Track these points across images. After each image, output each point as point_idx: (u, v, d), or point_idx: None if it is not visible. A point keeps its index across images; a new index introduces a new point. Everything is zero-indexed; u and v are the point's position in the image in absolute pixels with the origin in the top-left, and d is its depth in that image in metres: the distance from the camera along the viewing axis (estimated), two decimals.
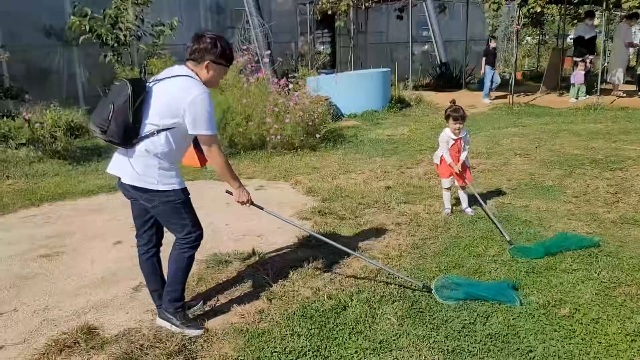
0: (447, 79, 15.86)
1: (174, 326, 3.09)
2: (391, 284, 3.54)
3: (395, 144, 8.48)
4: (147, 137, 2.84)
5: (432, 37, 18.02)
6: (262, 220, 5.03)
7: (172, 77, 2.89)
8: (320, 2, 14.61)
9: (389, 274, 3.65)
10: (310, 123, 8.30)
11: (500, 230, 4.33)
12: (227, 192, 3.25)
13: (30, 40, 9.92)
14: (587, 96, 11.90)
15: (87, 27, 9.07)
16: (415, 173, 6.56)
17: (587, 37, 12.10)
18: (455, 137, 4.79)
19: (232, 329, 3.07)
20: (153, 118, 2.83)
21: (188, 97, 2.78)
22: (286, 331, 3.01)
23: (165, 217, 3.01)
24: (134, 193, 2.95)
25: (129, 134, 2.81)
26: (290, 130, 7.92)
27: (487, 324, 3.02)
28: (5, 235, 4.78)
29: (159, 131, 2.84)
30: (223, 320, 3.20)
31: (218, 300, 3.46)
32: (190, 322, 3.13)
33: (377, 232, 4.58)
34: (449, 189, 4.99)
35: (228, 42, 2.99)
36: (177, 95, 2.81)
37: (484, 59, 12.79)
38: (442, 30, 17.95)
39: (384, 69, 12.65)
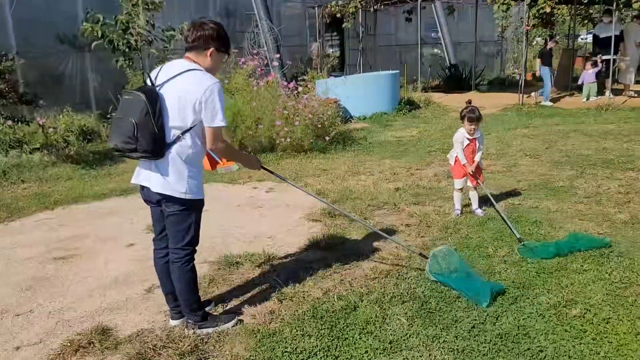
0: (456, 80, 15.83)
1: (209, 330, 3.11)
2: (401, 285, 3.56)
3: (404, 146, 8.49)
4: (174, 142, 2.84)
5: (441, 38, 18.01)
6: (272, 222, 5.07)
7: (179, 74, 2.84)
8: (328, 5, 14.66)
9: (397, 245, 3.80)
10: (319, 125, 8.33)
11: (510, 228, 4.33)
12: (263, 168, 3.42)
13: (44, 47, 10.05)
14: (599, 97, 11.82)
15: (99, 33, 9.17)
16: (425, 174, 6.57)
17: (601, 36, 12.00)
18: (471, 138, 4.79)
19: (243, 330, 3.11)
20: (175, 121, 2.82)
21: (203, 92, 2.77)
22: (297, 331, 3.04)
23: (176, 223, 2.99)
24: (159, 199, 2.94)
25: (159, 145, 2.78)
26: (299, 132, 7.96)
27: (497, 324, 3.03)
28: (21, 238, 4.86)
29: (183, 133, 2.84)
30: (234, 321, 3.23)
31: (229, 302, 3.50)
32: (220, 319, 3.17)
33: (387, 233, 4.58)
34: (460, 189, 4.99)
35: (226, 30, 2.99)
36: (192, 91, 2.78)
37: (538, 60, 12.60)
38: (451, 31, 17.94)
39: (393, 71, 12.66)
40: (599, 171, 6.20)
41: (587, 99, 11.80)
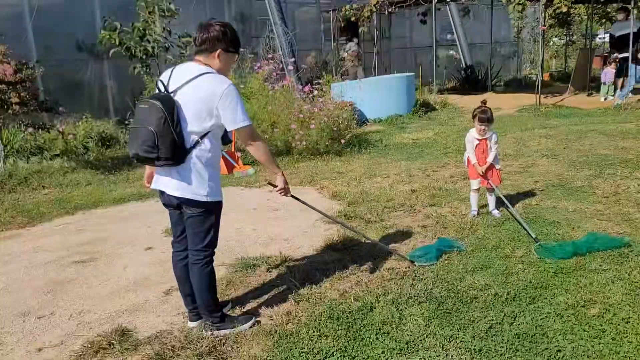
0: (472, 82, 15.75)
1: (226, 331, 3.13)
2: (417, 285, 3.55)
3: (420, 148, 8.47)
4: (194, 147, 2.86)
5: (457, 40, 17.93)
6: (289, 224, 5.10)
7: (192, 79, 2.84)
8: (343, 9, 14.70)
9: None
10: (335, 128, 8.35)
11: (525, 229, 4.30)
12: (270, 183, 3.28)
13: (63, 55, 10.25)
14: (614, 96, 11.67)
15: (117, 41, 9.32)
16: (441, 176, 6.54)
17: (617, 34, 11.85)
18: (480, 138, 4.77)
19: (260, 331, 3.13)
20: (193, 126, 2.83)
21: (218, 96, 2.78)
22: (314, 332, 3.06)
23: (196, 225, 3.02)
24: (179, 203, 2.97)
25: (180, 152, 2.81)
26: (315, 136, 7.99)
27: (514, 324, 3.01)
28: (42, 243, 4.96)
29: (202, 137, 2.86)
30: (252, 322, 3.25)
31: (247, 303, 3.52)
32: (238, 319, 3.20)
33: (403, 234, 4.59)
34: (477, 190, 4.97)
35: (234, 29, 2.99)
36: (206, 97, 2.79)
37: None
38: (466, 33, 17.85)
39: (408, 74, 12.64)
40: (618, 171, 6.12)
41: (605, 99, 11.64)
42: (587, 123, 9.50)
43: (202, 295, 3.12)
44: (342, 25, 15.42)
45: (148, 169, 3.18)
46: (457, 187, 5.99)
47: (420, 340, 2.92)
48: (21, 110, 7.96)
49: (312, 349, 2.90)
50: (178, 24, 10.43)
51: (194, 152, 2.87)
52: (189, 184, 2.88)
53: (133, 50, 9.38)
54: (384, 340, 2.94)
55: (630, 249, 3.91)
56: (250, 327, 3.17)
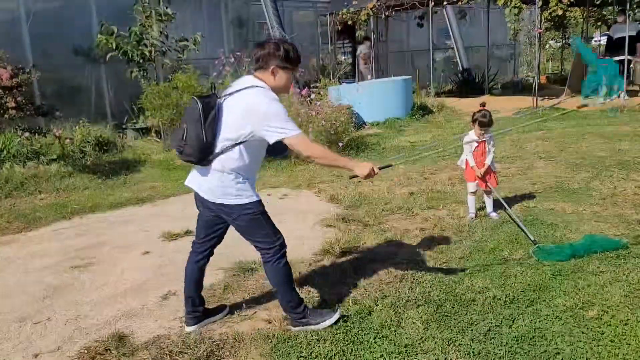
0: (469, 84, 15.76)
1: (311, 327, 3.11)
2: (416, 288, 3.54)
3: (418, 151, 8.46)
4: (221, 153, 2.87)
5: (454, 43, 17.96)
6: (287, 228, 5.07)
7: (240, 90, 2.89)
8: (340, 13, 14.72)
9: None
10: (332, 132, 8.35)
11: (524, 231, 4.30)
12: (351, 177, 3.18)
13: (60, 59, 10.23)
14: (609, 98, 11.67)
15: (114, 45, 9.32)
16: (439, 178, 6.54)
17: (615, 37, 11.87)
18: (479, 140, 4.77)
19: (258, 335, 3.11)
20: (227, 134, 2.85)
21: (260, 108, 2.80)
22: (312, 336, 3.04)
23: (247, 232, 3.04)
24: (213, 207, 2.99)
25: (204, 152, 2.84)
26: (313, 139, 7.98)
27: (513, 326, 3.01)
28: (39, 248, 4.93)
29: (233, 146, 2.86)
30: (250, 326, 3.25)
31: (245, 307, 3.51)
32: (322, 314, 3.17)
33: (402, 237, 4.59)
34: (474, 193, 4.97)
35: (293, 45, 2.99)
36: (249, 109, 2.82)
37: None
38: (463, 36, 17.89)
39: (405, 77, 12.64)
40: (615, 172, 6.13)
41: (604, 100, 11.63)
42: (583, 125, 9.52)
43: (281, 294, 3.14)
44: (339, 28, 15.44)
45: None
46: (455, 189, 5.98)
47: (419, 343, 2.91)
48: (17, 114, 7.96)
49: (311, 353, 2.89)
50: (175, 28, 10.45)
51: (221, 157, 2.88)
52: (215, 189, 2.92)
53: (130, 55, 9.38)
54: (383, 343, 2.93)
55: (628, 250, 3.91)
56: (335, 323, 3.11)
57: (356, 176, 3.05)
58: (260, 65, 2.92)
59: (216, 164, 2.89)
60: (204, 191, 2.98)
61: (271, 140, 2.84)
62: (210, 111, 2.83)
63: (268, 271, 3.12)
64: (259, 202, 3.02)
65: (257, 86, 2.89)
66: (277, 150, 3.07)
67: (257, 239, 3.06)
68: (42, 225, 5.63)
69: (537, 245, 4.07)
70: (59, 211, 6.08)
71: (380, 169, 3.07)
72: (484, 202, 5.08)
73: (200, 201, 3.06)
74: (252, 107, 2.82)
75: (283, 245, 3.10)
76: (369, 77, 14.76)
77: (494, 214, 4.93)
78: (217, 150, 2.88)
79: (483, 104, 4.88)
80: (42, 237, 5.29)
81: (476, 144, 4.79)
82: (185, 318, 3.28)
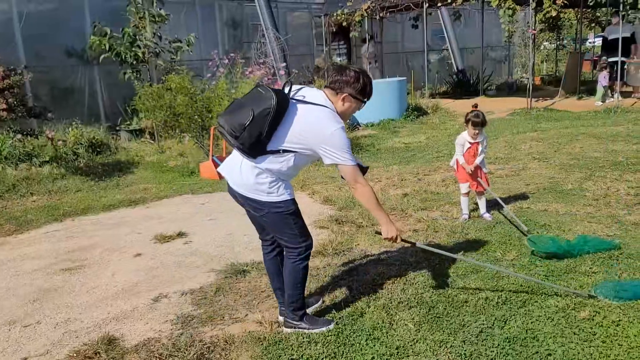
0: (464, 86, 15.80)
1: (304, 331, 3.10)
2: (408, 290, 3.53)
3: (412, 152, 8.47)
4: (272, 153, 2.84)
5: (448, 44, 17.99)
6: None
7: (312, 104, 2.85)
8: (335, 14, 14.72)
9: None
10: None
11: (516, 224, 4.31)
12: (377, 232, 3.13)
13: (52, 61, 10.20)
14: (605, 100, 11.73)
15: (107, 46, 9.29)
16: (433, 180, 6.54)
17: (610, 38, 11.90)
18: (472, 141, 4.77)
19: (249, 337, 3.09)
20: (286, 139, 2.81)
21: (326, 131, 2.76)
22: (303, 338, 3.02)
23: (273, 227, 3.02)
24: (243, 201, 2.99)
25: (257, 147, 2.80)
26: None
27: (505, 328, 2.99)
28: (29, 250, 4.90)
29: (284, 151, 2.83)
30: (241, 329, 3.22)
31: (236, 310, 3.48)
32: (317, 322, 3.16)
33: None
34: (467, 194, 4.96)
35: (370, 79, 2.97)
36: (314, 128, 2.79)
37: None
38: (457, 37, 17.92)
39: (400, 78, 12.66)
40: (608, 173, 6.13)
41: (602, 102, 11.64)
42: (577, 126, 9.54)
43: (288, 289, 3.12)
44: (334, 30, 15.44)
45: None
46: (448, 190, 5.98)
47: (411, 345, 2.90)
48: (9, 116, 7.91)
49: (302, 356, 2.87)
50: (169, 29, 10.42)
51: (269, 157, 2.85)
52: (248, 183, 2.90)
53: (123, 56, 9.35)
54: (374, 345, 2.91)
55: (620, 251, 3.90)
56: (327, 331, 3.09)
57: (378, 233, 3.07)
58: (334, 87, 2.90)
59: (260, 162, 2.86)
60: (235, 182, 2.96)
61: (326, 162, 2.83)
62: (283, 111, 2.78)
63: (286, 268, 3.10)
64: (291, 201, 2.99)
65: (327, 107, 2.86)
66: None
67: (284, 237, 3.04)
68: (34, 228, 5.60)
69: (529, 237, 4.07)
70: (50, 213, 6.04)
71: (402, 240, 3.10)
72: (476, 204, 5.07)
73: (234, 195, 3.04)
74: (320, 127, 2.78)
75: (309, 247, 3.08)
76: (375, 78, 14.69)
77: (487, 215, 4.92)
78: (269, 149, 2.84)
79: (475, 105, 4.88)
80: (33, 239, 5.25)
81: (469, 145, 4.79)
82: (279, 308, 3.27)
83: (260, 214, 2.97)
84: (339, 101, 2.91)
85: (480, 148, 4.80)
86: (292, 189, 3.02)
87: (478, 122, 4.68)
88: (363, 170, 3.06)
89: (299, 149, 2.84)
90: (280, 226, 2.99)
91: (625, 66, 12.07)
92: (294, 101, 2.87)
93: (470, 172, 4.79)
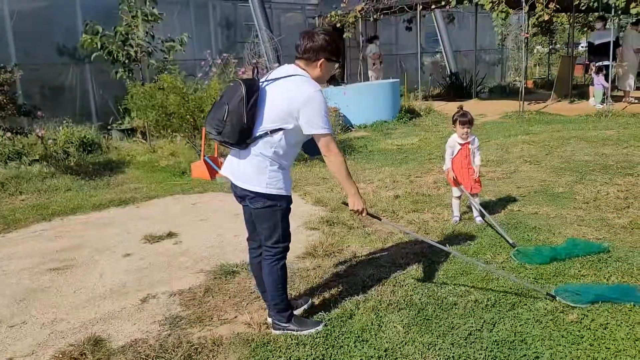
0: (457, 88, 15.84)
1: (293, 332, 3.08)
2: (398, 292, 3.52)
3: (404, 154, 8.48)
4: (261, 137, 2.85)
5: (442, 47, 18.04)
6: None
7: (284, 77, 2.88)
8: (329, 15, 14.72)
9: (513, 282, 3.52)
10: None
11: (502, 236, 4.31)
12: (344, 203, 3.12)
13: (43, 59, 10.12)
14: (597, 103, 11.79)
15: (99, 45, 9.23)
16: (425, 182, 6.54)
17: (596, 42, 11.98)
18: (462, 142, 4.77)
19: (237, 339, 3.07)
20: (268, 119, 2.84)
21: (301, 97, 2.77)
22: (291, 340, 3.01)
23: (260, 219, 3.01)
24: (240, 193, 2.99)
25: (243, 135, 2.82)
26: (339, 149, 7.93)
27: (493, 330, 2.99)
28: (17, 250, 4.85)
29: (272, 131, 2.84)
30: (229, 330, 3.20)
31: (225, 311, 3.46)
32: (306, 323, 3.14)
33: (385, 240, 4.56)
34: (458, 197, 4.96)
35: (337, 37, 2.97)
36: (291, 96, 2.80)
37: None
38: (451, 40, 17.97)
39: (393, 80, 12.67)
40: (599, 177, 6.16)
41: (601, 104, 11.66)
42: (569, 130, 9.58)
43: (270, 292, 3.10)
44: None
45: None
46: (440, 193, 5.98)
47: (399, 347, 2.89)
48: None
49: (290, 358, 2.85)
50: (162, 29, 10.38)
51: (260, 142, 2.86)
52: (248, 174, 2.90)
53: (115, 55, 9.30)
54: (363, 347, 2.90)
55: (609, 254, 3.92)
56: (316, 333, 3.07)
57: (345, 204, 3.06)
58: (308, 56, 2.88)
59: (255, 148, 2.87)
60: (237, 177, 2.96)
61: (304, 131, 2.83)
62: (253, 94, 2.80)
63: (264, 269, 3.09)
64: (286, 198, 2.98)
65: (300, 75, 2.87)
66: (313, 150, 3.04)
67: (266, 232, 3.02)
68: (22, 227, 5.54)
69: (516, 248, 4.08)
70: (39, 212, 5.99)
71: (369, 214, 3.09)
72: (469, 207, 5.07)
73: (235, 191, 3.04)
74: (297, 92, 2.79)
75: (286, 249, 3.09)
76: (380, 79, 14.62)
77: (478, 219, 4.92)
78: (256, 134, 2.85)
79: (461, 107, 4.88)
80: (21, 238, 5.19)
81: (459, 146, 4.79)
82: (268, 311, 3.23)
83: (255, 206, 2.96)
84: (316, 68, 2.91)
85: (470, 148, 4.80)
86: (290, 184, 3.02)
87: (466, 120, 4.68)
88: (374, 217, 3.10)
89: (284, 125, 2.83)
90: (266, 219, 2.98)
91: (615, 70, 12.13)
92: (267, 82, 2.90)
93: (453, 178, 4.78)
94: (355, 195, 2.97)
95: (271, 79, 2.92)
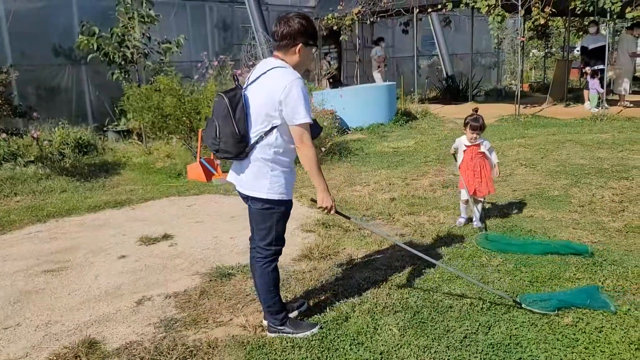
0: (453, 91, 15.88)
1: (288, 335, 3.07)
2: (393, 295, 3.52)
3: (401, 156, 8.48)
4: (257, 142, 2.85)
5: (438, 50, 18.09)
6: None
7: (263, 74, 2.85)
8: (325, 18, 14.74)
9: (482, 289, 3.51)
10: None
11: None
12: (312, 200, 3.06)
13: (40, 60, 10.09)
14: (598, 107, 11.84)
15: (95, 46, 9.21)
16: (421, 184, 6.55)
17: (590, 47, 12.04)
18: (469, 145, 4.76)
19: (233, 341, 3.07)
20: (257, 121, 2.83)
21: (280, 88, 2.73)
22: (287, 343, 3.00)
23: (258, 221, 3.01)
24: (245, 195, 2.99)
25: (240, 146, 2.82)
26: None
27: (489, 333, 3.00)
28: (11, 251, 4.83)
29: (266, 133, 2.83)
30: (225, 332, 3.19)
31: (220, 313, 3.45)
32: (301, 325, 3.13)
33: (381, 244, 4.56)
34: (466, 201, 4.88)
35: (312, 20, 2.94)
36: (270, 90, 2.77)
37: None
38: (447, 43, 18.02)
39: (390, 83, 12.69)
40: (594, 180, 6.18)
41: (597, 107, 11.69)
42: (564, 133, 9.61)
43: (262, 294, 3.10)
44: (325, 34, 15.46)
45: None
46: (436, 195, 5.99)
47: (395, 350, 2.89)
48: None
49: None
50: (159, 30, 10.37)
51: (257, 147, 2.85)
52: (250, 180, 2.91)
53: (111, 56, 9.28)
54: (358, 350, 2.90)
55: (604, 258, 3.93)
56: (311, 335, 3.06)
57: (313, 201, 3.04)
58: (287, 43, 2.83)
59: (253, 155, 2.87)
60: (240, 184, 2.97)
61: (288, 122, 2.80)
62: (237, 104, 2.80)
63: (256, 271, 3.09)
64: (286, 202, 2.98)
65: (278, 67, 2.83)
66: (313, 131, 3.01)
67: (260, 233, 3.02)
68: (17, 228, 5.52)
69: (485, 234, 4.27)
70: (34, 214, 5.97)
71: (337, 212, 3.07)
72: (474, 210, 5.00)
73: (239, 193, 3.04)
74: (277, 84, 2.75)
75: (278, 253, 3.08)
76: (378, 79, 14.61)
77: (476, 223, 4.86)
78: (252, 141, 2.85)
79: (476, 109, 4.84)
80: (16, 240, 5.17)
81: (464, 147, 4.78)
82: (264, 313, 3.23)
83: (255, 206, 2.97)
84: (294, 55, 2.87)
85: (483, 151, 4.73)
86: (292, 187, 3.01)
87: (477, 126, 4.67)
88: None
89: (274, 122, 2.82)
90: (262, 220, 2.98)
91: (609, 74, 12.18)
92: (249, 85, 2.89)
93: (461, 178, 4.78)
94: (325, 191, 2.92)
95: (252, 81, 2.90)
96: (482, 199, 4.88)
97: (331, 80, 15.33)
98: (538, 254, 4.00)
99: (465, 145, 4.78)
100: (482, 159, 4.78)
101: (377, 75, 14.78)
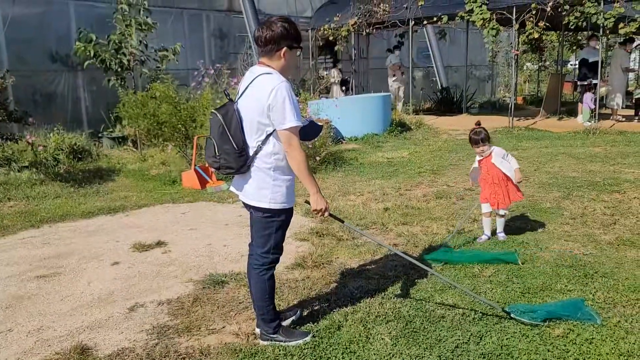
0: (447, 103, 15.99)
1: (281, 343, 3.07)
2: (386, 304, 3.53)
3: (395, 167, 8.52)
4: (256, 153, 2.87)
5: (433, 62, 18.23)
6: None
7: (250, 83, 2.86)
8: (321, 28, 14.84)
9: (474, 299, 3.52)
10: (310, 146, 8.36)
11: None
12: (307, 202, 3.05)
13: (36, 65, 10.11)
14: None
15: (92, 53, 9.24)
16: (414, 195, 6.58)
17: (591, 60, 12.17)
18: (480, 158, 4.78)
19: (225, 349, 3.07)
20: (251, 132, 2.86)
21: (269, 95, 2.73)
22: (279, 351, 3.01)
23: (258, 228, 3.03)
24: (248, 206, 3.02)
25: (240, 160, 2.85)
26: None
27: (480, 343, 3.01)
28: (4, 256, 4.81)
29: (263, 142, 2.85)
30: (217, 340, 3.20)
31: (213, 320, 3.46)
32: (294, 334, 3.14)
33: (374, 253, 4.58)
34: (488, 214, 4.80)
35: (295, 23, 2.94)
36: (259, 97, 2.78)
37: None
38: (442, 55, 18.17)
39: (385, 93, 12.77)
40: (586, 193, 6.24)
41: (589, 122, 11.78)
42: (557, 146, 9.70)
43: (257, 301, 3.11)
44: (321, 44, 15.56)
45: None
46: (429, 206, 6.02)
47: (387, 359, 2.90)
48: None
49: None
50: (156, 37, 10.41)
51: (257, 158, 2.88)
52: (252, 190, 2.93)
53: (108, 63, 9.31)
54: (350, 359, 2.91)
55: (595, 269, 3.96)
56: (304, 344, 3.06)
57: (308, 203, 3.04)
58: (271, 47, 2.82)
59: (254, 166, 2.90)
60: (244, 194, 2.99)
61: (276, 127, 2.80)
62: (231, 119, 2.84)
63: (252, 278, 3.11)
64: (287, 210, 3.01)
65: (264, 73, 2.83)
66: (308, 135, 3.05)
67: (260, 240, 3.05)
68: (10, 234, 5.50)
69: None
70: (28, 219, 5.95)
71: (331, 215, 3.10)
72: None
73: (243, 203, 3.07)
74: (264, 91, 2.76)
75: (275, 261, 3.10)
76: (400, 91, 14.47)
77: (501, 235, 4.79)
78: (252, 152, 2.88)
79: (478, 122, 4.82)
80: (9, 245, 5.15)
81: (477, 160, 4.80)
82: (257, 321, 3.22)
83: (256, 214, 3.01)
84: (280, 59, 2.87)
85: (497, 159, 4.64)
86: (293, 195, 3.04)
87: (477, 139, 4.66)
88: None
89: (268, 129, 2.83)
90: (262, 228, 3.01)
91: (601, 90, 12.29)
92: (239, 97, 2.92)
93: (474, 186, 4.92)
94: (317, 194, 2.93)
95: (241, 93, 2.93)
96: (504, 212, 4.79)
97: (343, 88, 15.32)
98: (472, 262, 4.20)
99: (477, 161, 4.80)
100: (499, 170, 4.67)
101: (396, 84, 14.66)
